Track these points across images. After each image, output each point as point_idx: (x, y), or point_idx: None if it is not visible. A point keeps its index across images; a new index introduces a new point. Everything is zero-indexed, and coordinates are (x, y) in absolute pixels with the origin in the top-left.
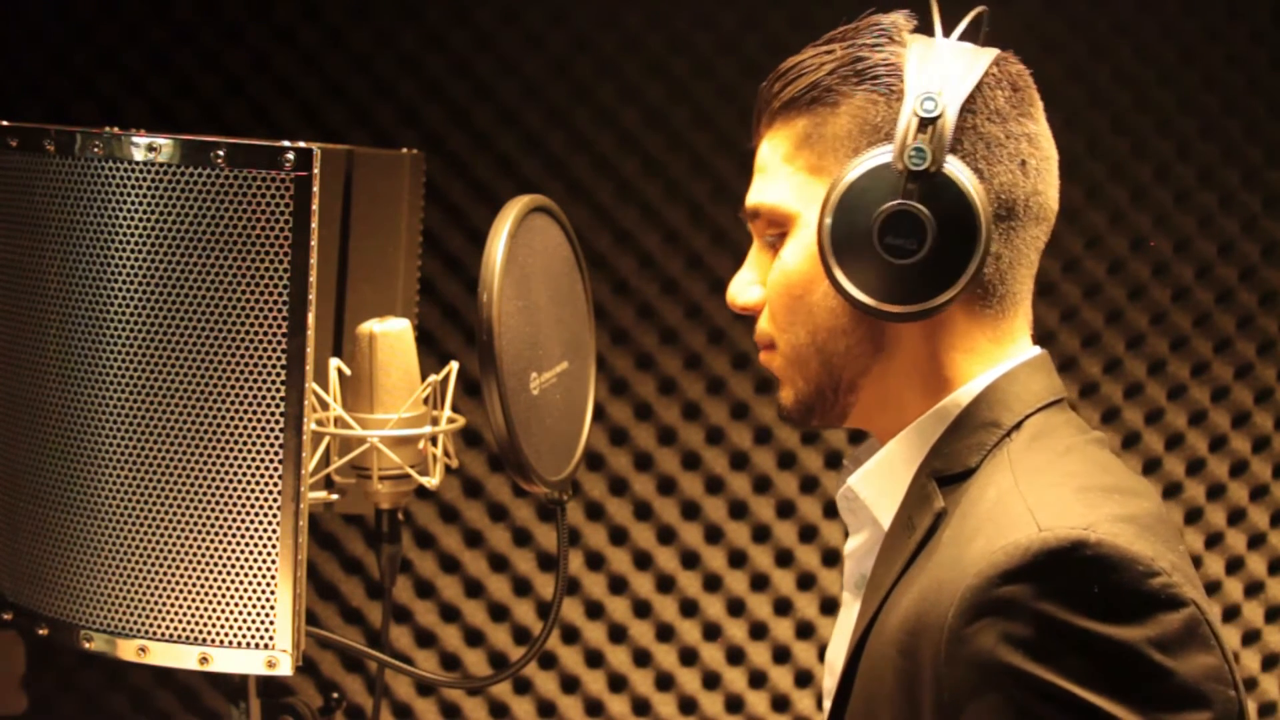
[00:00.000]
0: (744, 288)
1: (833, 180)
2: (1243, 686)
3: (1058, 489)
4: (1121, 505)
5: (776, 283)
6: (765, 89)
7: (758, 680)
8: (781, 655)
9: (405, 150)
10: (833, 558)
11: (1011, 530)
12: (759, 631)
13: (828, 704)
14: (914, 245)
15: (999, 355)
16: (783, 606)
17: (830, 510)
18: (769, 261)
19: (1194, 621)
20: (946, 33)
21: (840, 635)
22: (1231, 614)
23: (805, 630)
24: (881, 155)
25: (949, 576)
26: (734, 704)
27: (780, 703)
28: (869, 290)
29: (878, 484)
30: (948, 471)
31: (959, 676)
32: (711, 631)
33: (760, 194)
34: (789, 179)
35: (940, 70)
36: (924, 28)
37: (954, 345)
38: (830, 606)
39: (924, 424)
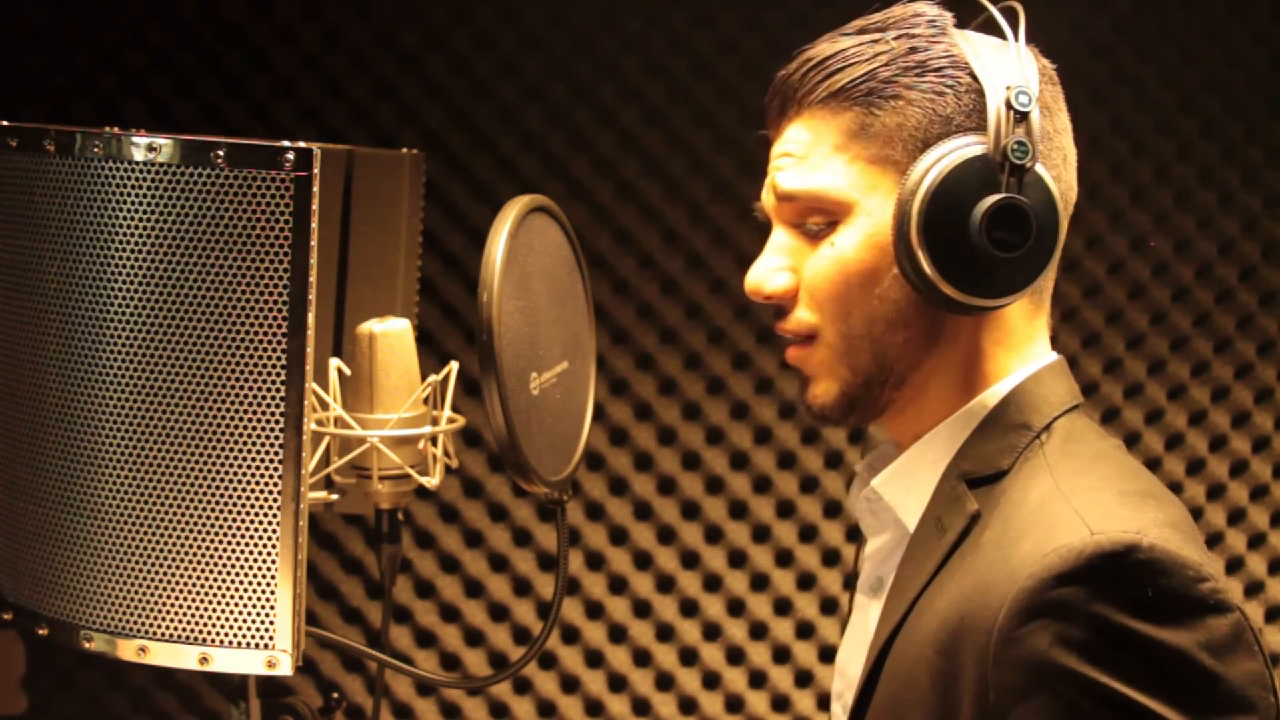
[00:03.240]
0: (770, 275)
1: (916, 171)
2: None
3: (1099, 493)
4: (1160, 510)
5: (829, 272)
6: (796, 77)
7: (758, 680)
8: (781, 655)
9: (405, 150)
10: (833, 558)
11: (1062, 533)
12: (759, 631)
13: (836, 707)
14: (1019, 239)
15: (1030, 353)
16: (783, 606)
17: (830, 510)
18: (802, 248)
19: (1240, 627)
20: (976, 26)
21: (854, 638)
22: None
23: (805, 630)
24: (971, 148)
25: (996, 579)
26: (734, 704)
27: (780, 703)
28: (955, 282)
29: (903, 485)
30: (978, 473)
31: (1008, 678)
32: (711, 631)
33: (805, 180)
34: (844, 167)
35: (1006, 64)
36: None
37: (999, 341)
38: (830, 606)
39: (950, 425)
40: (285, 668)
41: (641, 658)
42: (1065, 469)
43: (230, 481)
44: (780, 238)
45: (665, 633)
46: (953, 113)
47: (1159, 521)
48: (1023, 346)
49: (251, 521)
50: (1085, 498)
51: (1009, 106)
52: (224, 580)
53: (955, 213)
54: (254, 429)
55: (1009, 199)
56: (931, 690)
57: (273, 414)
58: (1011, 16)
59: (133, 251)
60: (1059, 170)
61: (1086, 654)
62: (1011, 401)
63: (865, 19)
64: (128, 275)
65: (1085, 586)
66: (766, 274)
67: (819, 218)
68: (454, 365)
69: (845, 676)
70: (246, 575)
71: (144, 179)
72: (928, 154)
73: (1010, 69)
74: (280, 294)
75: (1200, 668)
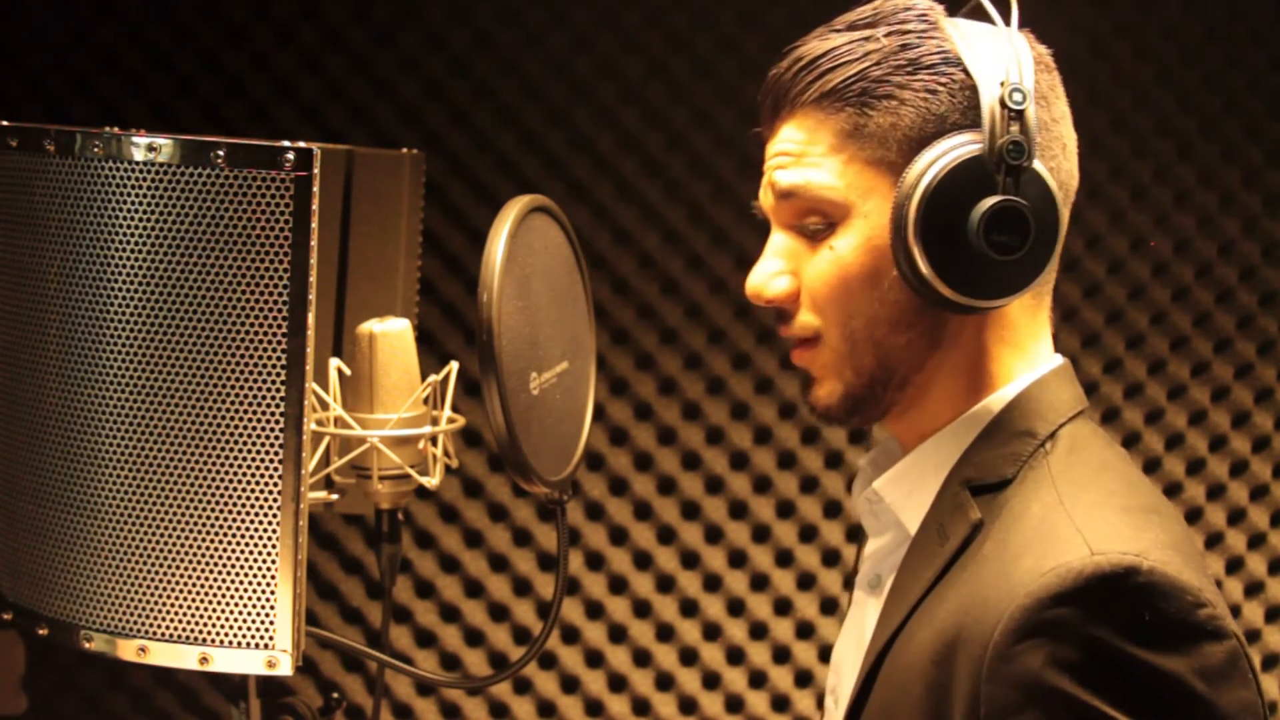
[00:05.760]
0: (770, 279)
1: (911, 173)
2: None
3: (1103, 509)
4: (1163, 529)
5: (830, 274)
6: (787, 77)
7: (758, 680)
8: (781, 655)
9: (405, 150)
10: (832, 558)
11: (1062, 551)
12: (759, 631)
13: (830, 701)
14: (1017, 241)
15: (1035, 353)
16: (783, 606)
17: (830, 510)
18: (801, 250)
19: (1235, 655)
20: (971, 15)
21: (850, 634)
22: (1231, 614)
23: (805, 630)
24: (966, 147)
25: (994, 594)
26: (734, 704)
27: (780, 703)
28: (955, 284)
29: (905, 488)
30: (982, 481)
31: (1000, 695)
32: (711, 631)
33: (804, 176)
34: (840, 168)
35: (1000, 57)
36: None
37: (1003, 339)
38: (830, 607)
39: (955, 429)
40: (285, 668)
41: (641, 658)
42: (1069, 481)
43: (230, 481)
44: (779, 240)
45: (665, 633)
46: (947, 110)
47: (1161, 543)
48: (1027, 345)
49: (251, 521)
50: (1088, 514)
51: (1003, 105)
52: (224, 580)
53: (952, 216)
54: (254, 429)
55: (1005, 201)
56: (924, 699)
57: (273, 414)
58: (1003, 3)
59: (133, 251)
60: (1058, 160)
61: (1079, 676)
62: (1016, 407)
63: (856, 13)
64: (128, 275)
65: (1082, 608)
66: (766, 278)
67: (817, 218)
68: (454, 365)
69: (839, 672)
70: (246, 575)
71: (144, 179)
72: (922, 155)
73: (1004, 61)
74: (280, 294)
75: (1193, 694)
